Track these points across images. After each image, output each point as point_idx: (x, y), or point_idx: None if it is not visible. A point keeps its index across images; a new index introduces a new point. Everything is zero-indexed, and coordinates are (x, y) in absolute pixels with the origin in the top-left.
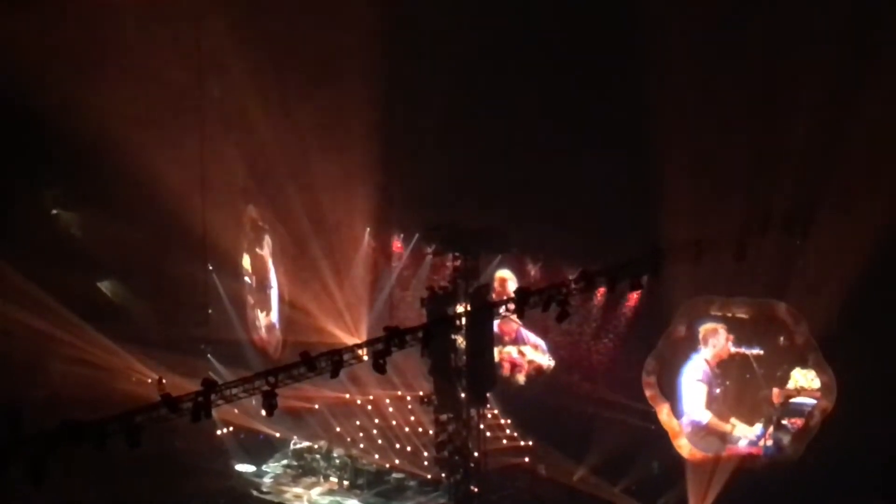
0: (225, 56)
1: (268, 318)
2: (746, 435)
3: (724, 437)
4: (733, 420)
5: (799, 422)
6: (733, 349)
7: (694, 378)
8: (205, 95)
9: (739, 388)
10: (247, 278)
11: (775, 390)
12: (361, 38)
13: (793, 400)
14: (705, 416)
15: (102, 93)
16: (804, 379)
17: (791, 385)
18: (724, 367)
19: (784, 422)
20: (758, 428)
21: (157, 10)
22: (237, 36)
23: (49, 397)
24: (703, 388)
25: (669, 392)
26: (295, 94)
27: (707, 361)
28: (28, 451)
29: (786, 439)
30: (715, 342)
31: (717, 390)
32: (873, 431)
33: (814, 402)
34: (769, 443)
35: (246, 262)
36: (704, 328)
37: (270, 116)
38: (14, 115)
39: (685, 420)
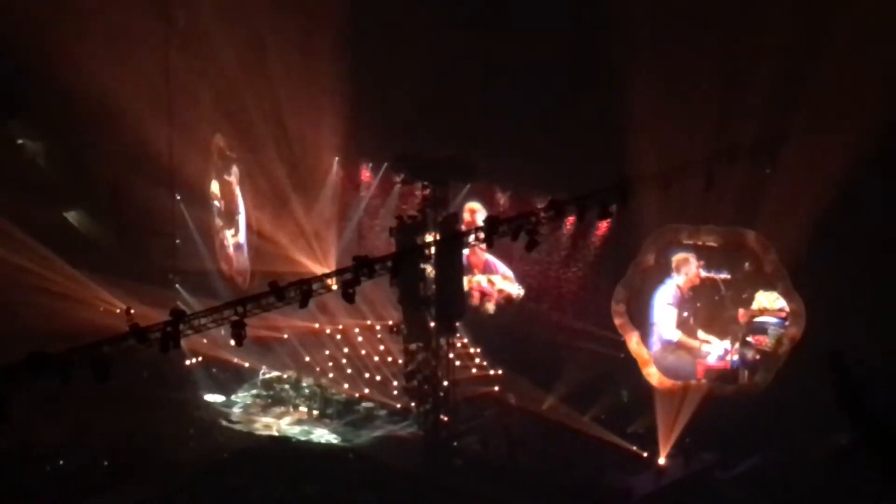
0: None
1: (235, 238)
2: (714, 350)
3: (694, 353)
4: (702, 335)
5: (762, 339)
6: (703, 274)
7: (665, 302)
8: (170, 23)
9: (708, 309)
10: (216, 202)
11: (741, 311)
12: None
13: (756, 319)
14: (675, 335)
15: (67, 22)
16: (767, 300)
17: (755, 306)
18: (695, 291)
19: (749, 339)
20: (725, 344)
21: None
22: None
23: (14, 329)
24: (674, 311)
25: (639, 320)
26: (262, 22)
27: (679, 287)
28: None
29: (749, 354)
30: (686, 270)
31: (686, 312)
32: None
33: (776, 321)
34: (735, 357)
35: (214, 187)
36: (677, 258)
37: (237, 45)
38: None
39: (656, 339)
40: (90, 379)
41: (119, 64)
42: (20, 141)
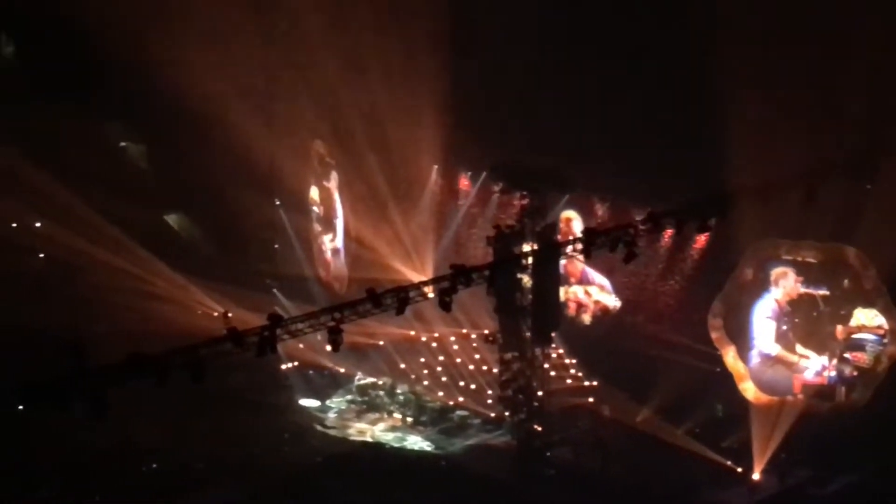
0: None
1: (333, 244)
2: (812, 365)
3: (791, 367)
4: (800, 350)
5: (860, 356)
6: (802, 290)
7: (764, 315)
8: (272, 30)
9: (806, 324)
10: (315, 208)
11: (839, 327)
12: None
13: (854, 336)
14: (774, 349)
15: (169, 27)
16: (865, 317)
17: (853, 323)
18: (793, 306)
19: (846, 355)
20: (823, 360)
21: None
22: None
23: (113, 330)
24: (773, 325)
25: (735, 334)
26: (364, 30)
27: (777, 301)
28: (91, 385)
29: (847, 370)
30: (785, 284)
31: (785, 327)
32: None
33: (874, 338)
34: (832, 373)
35: (314, 192)
36: (776, 271)
37: (338, 52)
38: (81, 47)
39: (755, 353)
40: (188, 381)
41: (221, 69)
42: (122, 143)
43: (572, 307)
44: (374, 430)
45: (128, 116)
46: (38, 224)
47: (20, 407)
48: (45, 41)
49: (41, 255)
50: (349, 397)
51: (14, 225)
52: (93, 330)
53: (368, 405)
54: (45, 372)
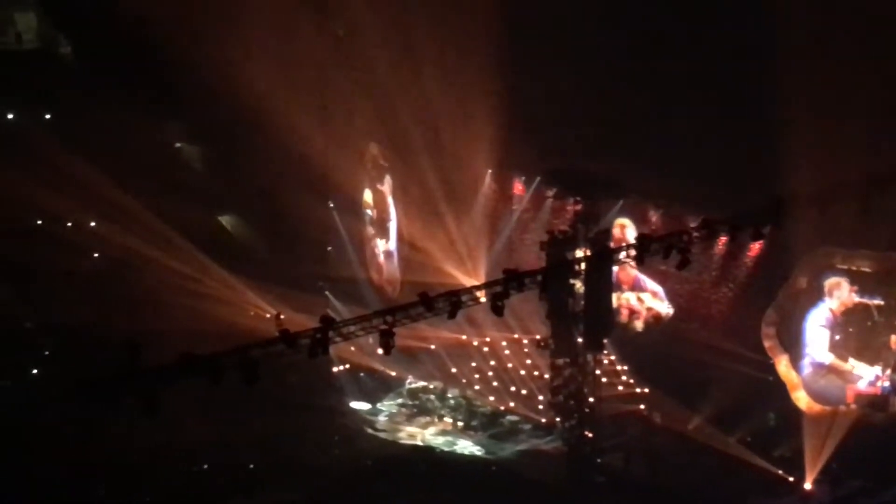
0: None
1: (386, 248)
2: (865, 375)
3: (844, 377)
4: (852, 361)
5: None
6: (856, 299)
7: (818, 324)
8: (329, 33)
9: (860, 334)
10: (368, 211)
11: (893, 337)
12: None
13: None
14: (827, 358)
15: (227, 31)
16: None
17: None
18: (847, 316)
19: None
20: (876, 370)
21: None
22: None
23: (167, 330)
24: (826, 334)
25: (789, 343)
26: (420, 33)
27: (831, 310)
28: (144, 384)
29: None
30: (839, 294)
31: (838, 336)
32: None
33: None
34: (886, 383)
35: (367, 196)
36: (829, 282)
37: (394, 56)
38: (139, 49)
39: (807, 362)
40: (238, 381)
41: (277, 71)
42: (178, 144)
43: (624, 313)
44: (425, 434)
45: (183, 117)
46: (92, 223)
47: (73, 406)
48: (101, 42)
49: (96, 255)
50: (400, 401)
51: (69, 224)
52: (146, 329)
53: (419, 409)
54: (98, 371)
